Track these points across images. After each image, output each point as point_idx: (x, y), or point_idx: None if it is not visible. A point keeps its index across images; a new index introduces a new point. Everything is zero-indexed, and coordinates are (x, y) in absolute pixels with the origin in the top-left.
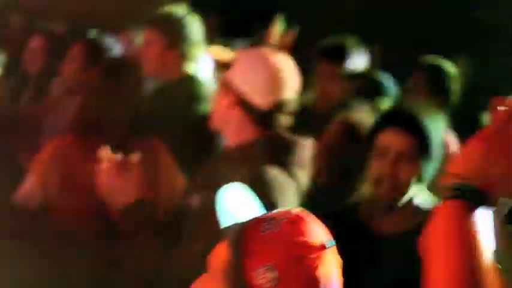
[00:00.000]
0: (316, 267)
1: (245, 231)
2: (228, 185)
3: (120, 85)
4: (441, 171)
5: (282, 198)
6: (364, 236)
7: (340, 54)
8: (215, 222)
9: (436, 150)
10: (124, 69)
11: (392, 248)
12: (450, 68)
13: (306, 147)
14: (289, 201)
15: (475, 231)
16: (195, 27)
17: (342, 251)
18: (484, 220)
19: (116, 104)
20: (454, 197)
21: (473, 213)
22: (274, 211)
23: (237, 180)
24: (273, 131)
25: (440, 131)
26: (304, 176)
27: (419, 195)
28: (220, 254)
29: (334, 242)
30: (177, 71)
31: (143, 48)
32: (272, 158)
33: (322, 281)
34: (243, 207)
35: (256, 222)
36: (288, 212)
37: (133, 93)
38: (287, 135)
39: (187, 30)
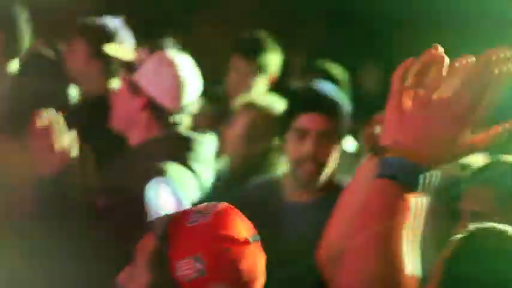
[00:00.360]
0: (239, 261)
1: (171, 223)
2: (155, 179)
3: (43, 78)
4: None
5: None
6: (279, 205)
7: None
8: (123, 221)
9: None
10: (46, 62)
11: (299, 215)
12: (339, 73)
13: (207, 144)
14: (190, 195)
15: (409, 217)
16: (124, 41)
17: (258, 217)
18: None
19: (38, 97)
20: (388, 177)
21: (409, 194)
22: (201, 205)
23: (139, 179)
24: (173, 130)
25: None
26: (205, 171)
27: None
28: (146, 246)
29: (258, 237)
30: (99, 85)
31: (68, 55)
32: (171, 155)
33: (245, 274)
34: (169, 201)
35: (182, 214)
36: (214, 206)
37: (57, 87)
38: (186, 133)
39: (115, 43)
